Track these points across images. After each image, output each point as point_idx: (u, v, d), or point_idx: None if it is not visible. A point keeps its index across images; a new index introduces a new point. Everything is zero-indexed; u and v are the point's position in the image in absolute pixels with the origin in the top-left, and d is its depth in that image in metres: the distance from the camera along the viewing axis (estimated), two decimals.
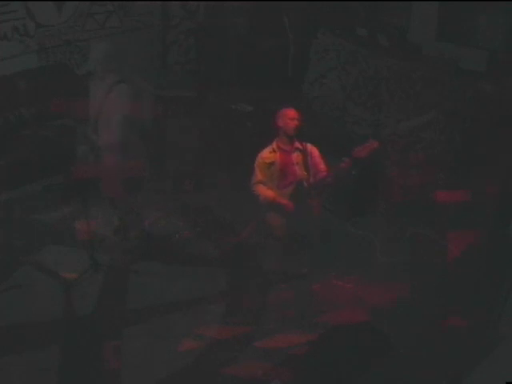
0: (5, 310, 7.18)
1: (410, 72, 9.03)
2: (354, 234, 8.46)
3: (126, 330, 7.16)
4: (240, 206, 8.22)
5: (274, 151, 7.59)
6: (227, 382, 6.68)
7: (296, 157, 7.58)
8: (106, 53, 8.42)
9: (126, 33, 9.63)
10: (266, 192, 7.58)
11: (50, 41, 9.19)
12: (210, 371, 6.77)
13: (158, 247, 8.28)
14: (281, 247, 7.74)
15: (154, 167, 9.19)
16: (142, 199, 8.72)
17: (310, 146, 7.61)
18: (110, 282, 7.78)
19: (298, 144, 7.59)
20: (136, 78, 8.60)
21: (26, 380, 6.59)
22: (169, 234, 8.39)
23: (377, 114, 9.28)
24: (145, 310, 7.39)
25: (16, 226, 8.43)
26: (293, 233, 7.69)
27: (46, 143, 8.88)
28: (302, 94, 9.80)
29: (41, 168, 8.74)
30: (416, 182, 8.78)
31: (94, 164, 8.29)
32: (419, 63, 9.08)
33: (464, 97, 8.69)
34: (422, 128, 8.93)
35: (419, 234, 8.36)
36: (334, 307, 7.52)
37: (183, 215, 8.61)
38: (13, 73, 8.87)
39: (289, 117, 7.50)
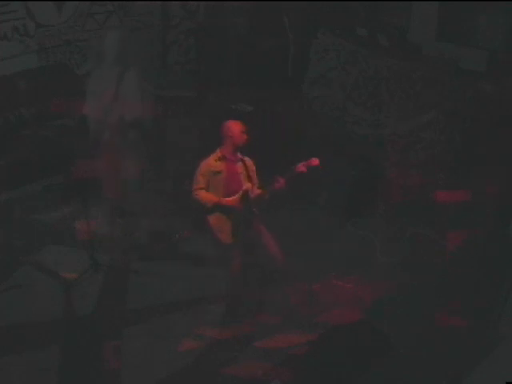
0: (5, 310, 7.18)
1: (410, 72, 9.03)
2: (354, 234, 8.47)
3: (126, 330, 7.16)
4: None
5: (219, 160, 7.57)
6: (227, 382, 6.68)
7: (240, 166, 7.60)
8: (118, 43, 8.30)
9: None
10: (208, 196, 7.53)
11: (50, 41, 9.20)
12: (210, 371, 6.77)
13: (157, 247, 8.28)
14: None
15: (154, 167, 9.19)
16: (141, 199, 8.71)
17: (247, 160, 7.62)
18: (110, 282, 7.78)
19: (240, 155, 7.60)
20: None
21: (26, 380, 6.58)
22: (169, 234, 8.39)
23: (377, 113, 9.27)
24: (145, 310, 7.39)
25: (16, 226, 8.43)
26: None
27: (46, 143, 8.88)
28: (301, 93, 9.80)
29: (41, 168, 8.74)
30: (416, 182, 8.78)
31: (94, 163, 8.27)
32: (419, 63, 9.08)
33: (464, 97, 8.69)
34: (422, 128, 8.92)
35: (419, 234, 8.37)
36: (334, 307, 7.52)
37: (183, 215, 8.60)
38: (13, 73, 8.88)
39: (241, 130, 7.52)
